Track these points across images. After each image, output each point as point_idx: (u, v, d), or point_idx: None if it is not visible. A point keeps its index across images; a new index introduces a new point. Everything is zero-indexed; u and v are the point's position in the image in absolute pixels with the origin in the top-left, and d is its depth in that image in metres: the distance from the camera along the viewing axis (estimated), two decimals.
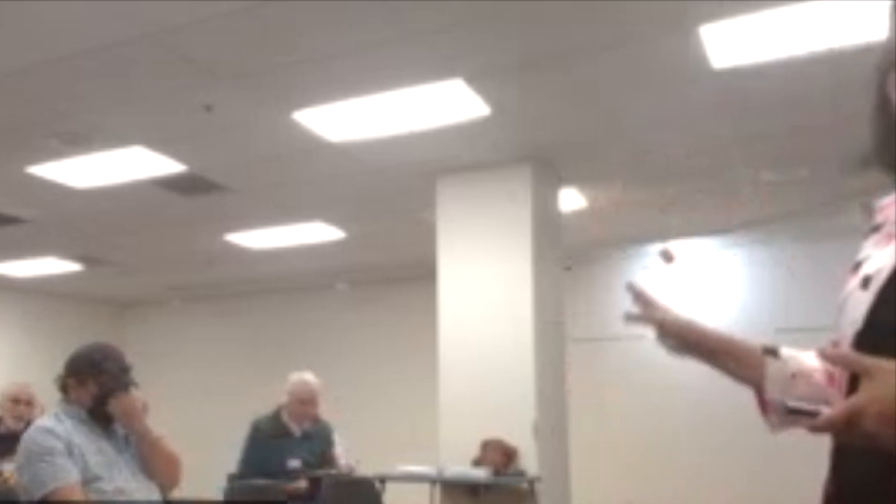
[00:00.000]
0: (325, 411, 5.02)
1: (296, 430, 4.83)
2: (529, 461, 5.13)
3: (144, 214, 6.79)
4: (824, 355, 0.99)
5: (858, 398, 0.90)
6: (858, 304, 1.08)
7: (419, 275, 7.20)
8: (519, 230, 5.44)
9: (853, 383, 1.00)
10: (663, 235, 7.19)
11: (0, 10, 3.48)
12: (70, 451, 2.66)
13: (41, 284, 9.57)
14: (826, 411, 0.93)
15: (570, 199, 6.25)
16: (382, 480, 5.16)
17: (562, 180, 5.89)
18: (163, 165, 5.47)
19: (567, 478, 5.70)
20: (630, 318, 1.39)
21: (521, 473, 5.10)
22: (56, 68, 4.07)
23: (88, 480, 2.65)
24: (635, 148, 5.38)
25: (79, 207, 6.48)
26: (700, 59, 3.99)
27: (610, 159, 5.66)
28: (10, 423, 4.79)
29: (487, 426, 5.18)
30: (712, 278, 7.88)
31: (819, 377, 1.25)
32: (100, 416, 2.82)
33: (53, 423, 2.74)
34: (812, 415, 0.97)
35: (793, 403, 1.04)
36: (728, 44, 3.86)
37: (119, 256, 8.52)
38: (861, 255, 1.18)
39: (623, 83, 4.36)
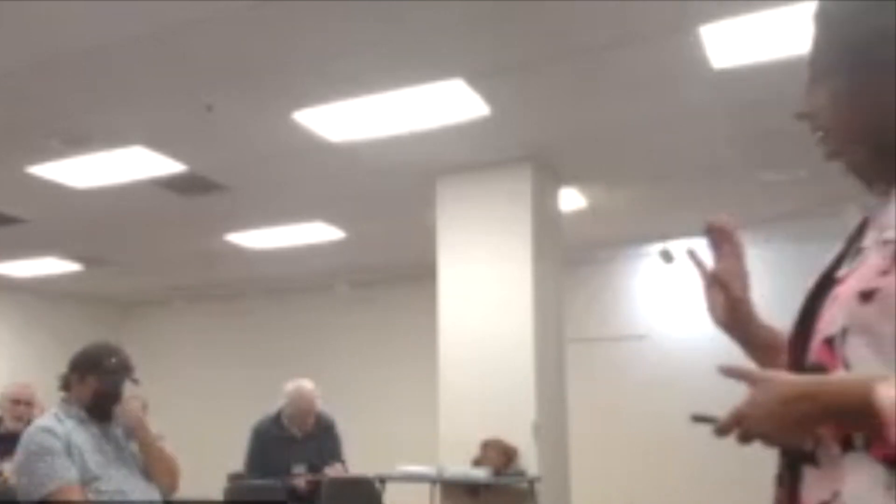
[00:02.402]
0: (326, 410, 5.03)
1: (297, 433, 4.82)
2: (529, 461, 5.13)
3: (144, 214, 6.78)
4: (725, 371, 1.07)
5: (742, 405, 1.02)
6: (796, 311, 1.16)
7: (419, 275, 7.20)
8: (519, 230, 5.44)
9: None
10: (663, 235, 7.18)
11: (0, 9, 3.49)
12: (69, 450, 2.66)
13: (41, 284, 9.57)
14: (722, 418, 1.03)
15: (570, 199, 6.25)
16: (382, 480, 5.16)
17: (562, 180, 5.89)
18: (163, 165, 5.47)
19: (567, 478, 5.70)
20: (705, 277, 1.29)
21: (521, 473, 5.10)
22: (56, 68, 4.07)
23: (88, 480, 2.65)
24: (635, 148, 5.38)
25: (79, 207, 6.48)
26: (700, 59, 3.99)
27: (610, 159, 5.66)
28: (10, 424, 4.79)
29: (487, 426, 5.18)
30: None
31: None
32: (99, 414, 2.82)
33: (52, 422, 2.75)
34: (713, 421, 1.05)
35: (696, 412, 1.10)
36: (728, 44, 3.86)
37: (119, 256, 8.52)
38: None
39: (623, 83, 4.36)
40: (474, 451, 5.12)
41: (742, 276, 1.26)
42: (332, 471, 4.71)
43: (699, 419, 1.09)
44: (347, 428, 5.21)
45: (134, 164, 5.43)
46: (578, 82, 4.37)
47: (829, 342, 1.03)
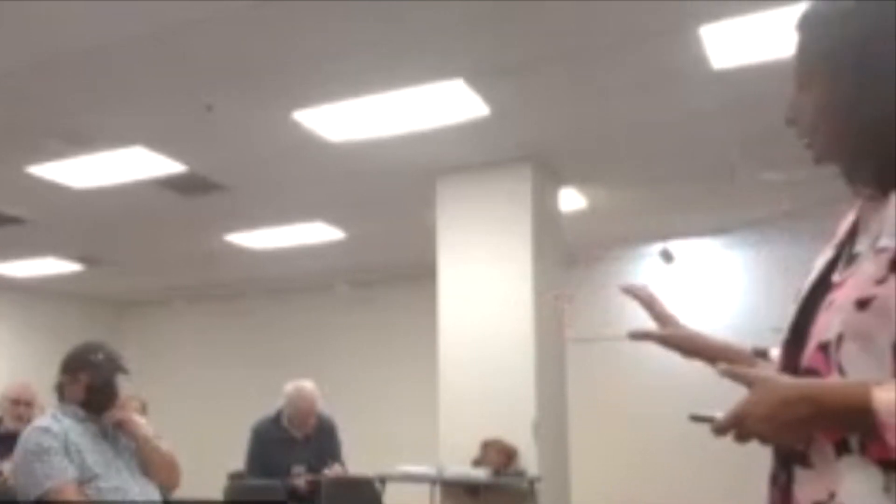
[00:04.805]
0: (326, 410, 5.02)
1: (297, 434, 4.81)
2: (529, 461, 5.13)
3: (144, 214, 6.78)
4: (723, 372, 1.10)
5: (741, 405, 1.05)
6: (789, 314, 1.19)
7: (419, 275, 7.20)
8: (519, 230, 5.44)
9: None
10: (663, 235, 7.18)
11: (0, 9, 3.49)
12: (67, 449, 2.66)
13: (41, 284, 9.57)
14: (720, 417, 1.07)
15: (570, 199, 6.25)
16: (382, 480, 5.16)
17: (562, 180, 5.89)
18: (163, 165, 5.47)
19: (567, 478, 5.70)
20: (635, 336, 1.48)
21: (521, 473, 5.09)
22: (56, 68, 4.07)
23: (87, 479, 2.65)
24: (635, 148, 5.38)
25: (79, 207, 6.47)
26: (700, 60, 3.99)
27: (610, 159, 5.66)
28: (10, 424, 4.78)
29: (487, 426, 5.18)
30: (712, 278, 7.88)
31: None
32: (95, 409, 2.83)
33: (50, 422, 2.76)
34: (711, 420, 1.09)
35: (694, 412, 1.13)
36: (728, 44, 3.86)
37: (119, 256, 8.52)
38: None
39: (623, 83, 4.36)
40: (474, 451, 5.12)
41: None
42: (331, 473, 4.70)
43: (697, 419, 1.12)
44: (347, 428, 5.20)
45: (134, 164, 5.43)
46: (578, 82, 4.37)
47: (824, 348, 1.05)
